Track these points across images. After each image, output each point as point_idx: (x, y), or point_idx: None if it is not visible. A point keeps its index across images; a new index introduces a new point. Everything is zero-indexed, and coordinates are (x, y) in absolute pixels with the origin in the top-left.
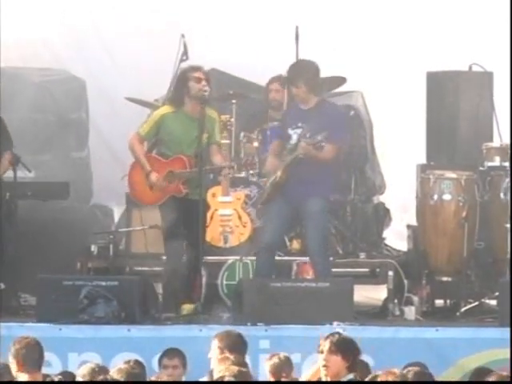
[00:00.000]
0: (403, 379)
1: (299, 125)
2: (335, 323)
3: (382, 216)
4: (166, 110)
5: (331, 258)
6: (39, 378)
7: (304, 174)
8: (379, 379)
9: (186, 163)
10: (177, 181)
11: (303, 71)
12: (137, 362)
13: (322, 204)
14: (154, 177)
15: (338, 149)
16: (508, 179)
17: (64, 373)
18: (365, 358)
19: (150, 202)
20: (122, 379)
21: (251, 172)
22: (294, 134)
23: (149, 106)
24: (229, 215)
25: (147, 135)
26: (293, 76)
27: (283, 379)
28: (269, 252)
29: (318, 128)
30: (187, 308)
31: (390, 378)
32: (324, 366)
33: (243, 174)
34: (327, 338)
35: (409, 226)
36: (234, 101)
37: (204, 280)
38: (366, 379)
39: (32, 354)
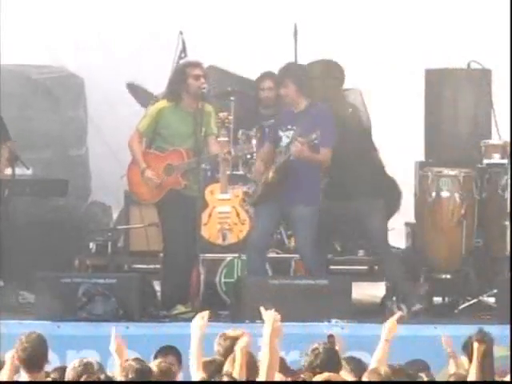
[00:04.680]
0: (387, 379)
1: (289, 127)
2: (333, 321)
3: None
4: (163, 104)
5: (329, 256)
6: (41, 377)
7: (295, 178)
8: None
9: (184, 156)
10: (175, 173)
11: (291, 71)
12: (137, 359)
13: (311, 212)
14: (148, 173)
15: (330, 152)
16: (507, 176)
17: (59, 369)
18: (363, 355)
19: (150, 199)
20: (127, 376)
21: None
22: (285, 137)
23: (147, 96)
24: (227, 212)
25: (146, 130)
26: (281, 76)
27: None
28: (258, 252)
29: (310, 130)
30: (180, 309)
31: (374, 378)
32: None
33: (241, 172)
34: None
35: (407, 224)
36: (232, 98)
37: (202, 277)
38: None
39: (36, 351)
